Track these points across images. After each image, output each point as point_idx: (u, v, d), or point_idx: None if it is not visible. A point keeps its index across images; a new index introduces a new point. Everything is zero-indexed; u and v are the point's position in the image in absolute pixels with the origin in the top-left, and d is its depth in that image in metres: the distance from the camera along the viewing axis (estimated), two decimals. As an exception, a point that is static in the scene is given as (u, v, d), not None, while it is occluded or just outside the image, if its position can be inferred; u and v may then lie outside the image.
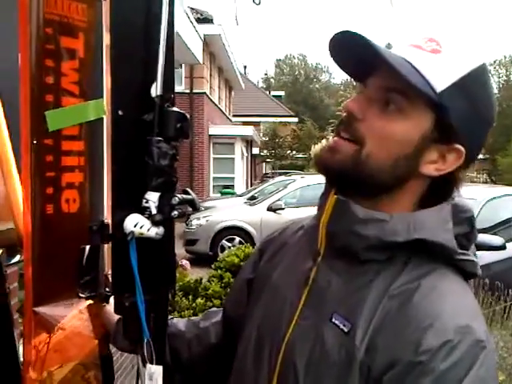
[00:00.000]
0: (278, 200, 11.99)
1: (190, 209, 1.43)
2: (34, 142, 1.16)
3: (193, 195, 1.43)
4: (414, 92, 0.88)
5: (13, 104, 1.31)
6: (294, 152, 35.29)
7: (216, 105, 23.98)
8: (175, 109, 1.37)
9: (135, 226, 1.26)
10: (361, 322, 0.88)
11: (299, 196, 12.32)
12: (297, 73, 71.54)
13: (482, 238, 5.40)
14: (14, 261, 2.15)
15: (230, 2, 2.95)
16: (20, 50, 1.17)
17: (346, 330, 0.89)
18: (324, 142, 1.02)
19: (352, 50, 0.92)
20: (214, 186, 21.32)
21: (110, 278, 1.32)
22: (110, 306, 1.43)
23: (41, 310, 1.21)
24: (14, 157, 1.52)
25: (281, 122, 34.78)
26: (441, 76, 0.88)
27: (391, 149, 0.91)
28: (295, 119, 39.33)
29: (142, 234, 1.25)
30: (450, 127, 0.90)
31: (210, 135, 21.46)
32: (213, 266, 5.81)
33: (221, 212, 12.38)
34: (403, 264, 0.92)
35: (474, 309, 0.92)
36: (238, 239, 11.23)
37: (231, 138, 22.26)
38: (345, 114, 0.96)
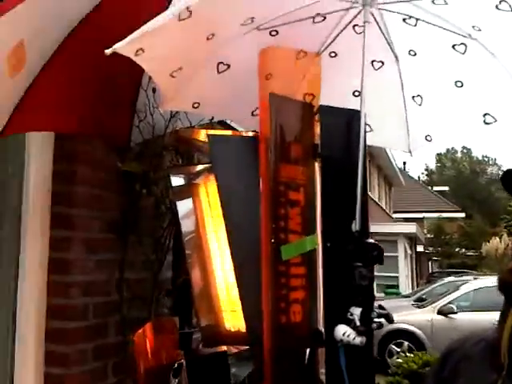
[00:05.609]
0: (450, 303, 11.38)
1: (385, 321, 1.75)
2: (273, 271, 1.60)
3: (387, 310, 1.75)
4: None
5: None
6: (463, 250, 33.35)
7: (376, 202, 24.11)
8: (371, 240, 1.75)
9: (343, 335, 1.62)
10: None
11: (473, 299, 11.52)
12: (460, 166, 69.05)
13: None
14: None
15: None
16: (262, 203, 1.66)
17: None
18: (496, 240, 1.17)
19: None
20: (377, 284, 20.97)
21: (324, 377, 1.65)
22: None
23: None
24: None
25: (446, 218, 33.49)
26: None
27: None
28: (462, 214, 37.56)
29: (348, 341, 1.60)
30: None
31: (370, 233, 21.46)
32: (389, 371, 5.80)
33: (387, 314, 12.05)
34: None
35: None
36: (406, 343, 10.82)
37: (393, 236, 21.98)
38: None
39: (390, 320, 1.64)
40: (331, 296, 1.67)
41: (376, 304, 1.71)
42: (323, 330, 1.66)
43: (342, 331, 1.60)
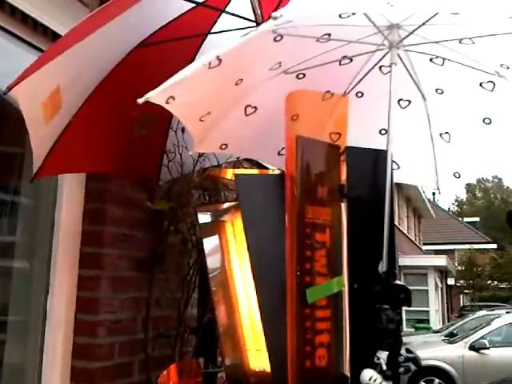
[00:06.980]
0: (482, 338, 11.04)
1: (413, 366, 1.72)
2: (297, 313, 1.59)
3: (415, 354, 1.72)
4: None
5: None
6: (496, 282, 32.42)
7: (405, 234, 23.74)
8: (398, 282, 1.73)
9: (370, 380, 1.59)
10: None
11: (505, 334, 11.20)
12: (492, 197, 67.74)
13: None
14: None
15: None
16: (286, 244, 1.67)
17: None
18: None
19: None
20: (406, 319, 20.43)
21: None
22: None
23: None
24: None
25: (477, 250, 32.71)
26: None
27: None
28: (493, 246, 36.63)
29: (375, 386, 1.57)
30: None
31: (399, 266, 21.09)
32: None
33: (416, 350, 11.71)
34: None
35: None
36: (437, 381, 10.50)
37: (423, 269, 21.56)
38: None
39: (417, 364, 1.62)
40: (357, 339, 1.65)
41: (403, 347, 1.69)
42: (349, 374, 1.64)
43: (369, 376, 1.58)
